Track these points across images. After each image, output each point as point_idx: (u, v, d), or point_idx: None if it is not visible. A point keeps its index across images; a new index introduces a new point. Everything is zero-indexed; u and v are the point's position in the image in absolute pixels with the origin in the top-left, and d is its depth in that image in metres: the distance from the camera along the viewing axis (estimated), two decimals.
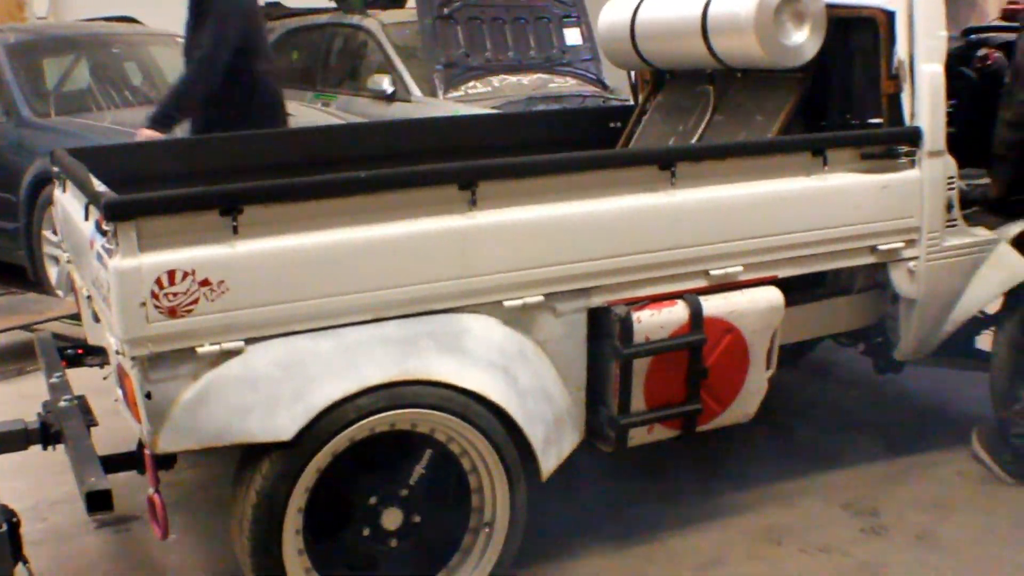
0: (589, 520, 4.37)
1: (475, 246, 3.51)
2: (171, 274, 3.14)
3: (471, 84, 8.93)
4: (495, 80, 9.03)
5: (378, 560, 3.60)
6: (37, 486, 4.82)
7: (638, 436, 3.91)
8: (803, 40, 4.57)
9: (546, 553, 4.09)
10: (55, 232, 7.76)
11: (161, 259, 3.14)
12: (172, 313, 3.16)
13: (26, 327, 7.03)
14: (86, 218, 3.69)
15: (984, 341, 5.02)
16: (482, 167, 3.63)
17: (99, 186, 3.55)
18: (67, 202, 4.37)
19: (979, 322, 4.90)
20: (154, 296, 3.14)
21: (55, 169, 4.65)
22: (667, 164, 3.86)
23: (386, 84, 9.12)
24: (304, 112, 8.57)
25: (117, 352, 3.30)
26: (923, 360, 4.81)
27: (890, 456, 4.89)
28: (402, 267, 3.42)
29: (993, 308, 4.79)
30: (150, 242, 3.15)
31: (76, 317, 6.89)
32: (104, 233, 3.25)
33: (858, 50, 4.69)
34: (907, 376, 5.26)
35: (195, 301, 3.18)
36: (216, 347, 3.24)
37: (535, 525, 3.83)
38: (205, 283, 3.18)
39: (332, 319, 3.37)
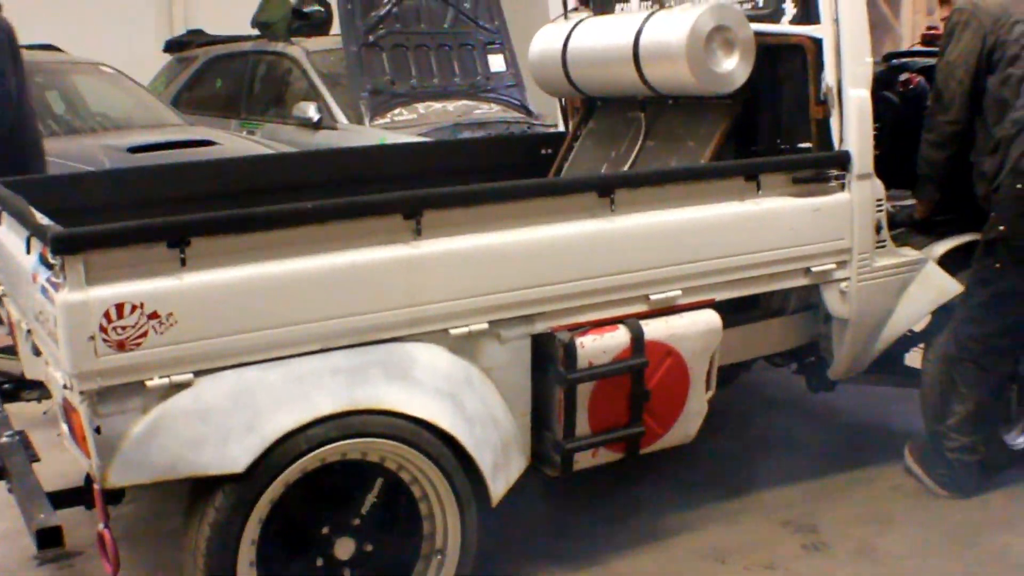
0: (536, 544, 4.41)
1: (420, 275, 3.54)
2: (119, 307, 3.14)
3: (397, 111, 8.95)
4: (420, 107, 9.06)
5: None
6: None
7: (583, 460, 3.95)
8: (733, 67, 4.65)
9: None
10: None
11: (109, 292, 3.14)
12: (121, 346, 3.16)
13: None
14: (28, 251, 3.66)
15: (912, 358, 5.13)
16: (427, 196, 3.66)
17: (42, 219, 3.53)
18: (2, 234, 4.33)
19: (908, 340, 5.00)
20: (103, 330, 3.13)
21: None
22: (606, 191, 3.92)
23: (312, 112, 9.11)
24: (229, 140, 8.55)
25: (65, 387, 3.28)
26: (855, 378, 4.91)
27: (826, 473, 4.97)
28: (349, 297, 3.44)
29: (921, 326, 4.90)
30: (98, 275, 3.14)
31: (8, 350, 6.82)
32: (50, 267, 3.24)
33: (787, 77, 4.77)
34: (838, 394, 5.36)
35: (144, 334, 3.18)
36: (166, 380, 3.23)
37: (483, 551, 3.85)
38: (154, 316, 3.18)
39: (281, 350, 3.38)
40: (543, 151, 5.88)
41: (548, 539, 4.46)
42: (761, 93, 4.87)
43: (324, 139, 8.94)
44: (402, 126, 8.69)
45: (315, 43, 10.01)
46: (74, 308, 3.10)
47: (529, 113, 9.48)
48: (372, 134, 8.56)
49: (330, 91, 9.32)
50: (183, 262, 3.23)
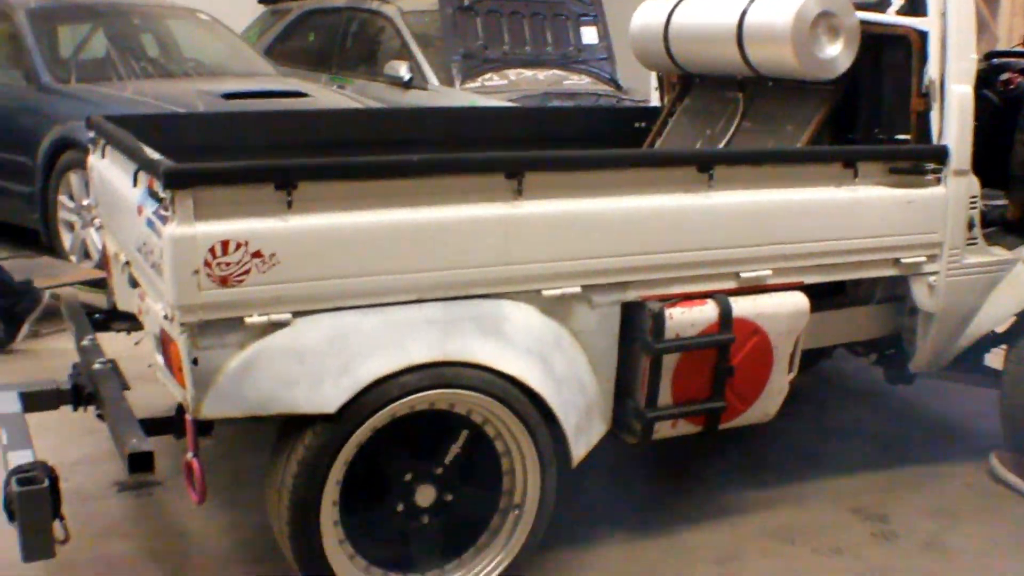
0: (607, 511, 4.46)
1: (518, 235, 3.58)
2: (225, 244, 3.20)
3: (488, 76, 9.01)
4: (511, 73, 9.12)
5: (409, 536, 3.66)
6: (58, 447, 4.86)
7: (662, 430, 3.99)
8: (837, 53, 4.64)
9: (565, 541, 4.17)
10: (71, 198, 7.85)
11: (216, 229, 3.20)
12: (223, 282, 3.22)
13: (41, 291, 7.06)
14: (134, 184, 3.74)
15: (992, 359, 5.11)
16: (529, 157, 3.70)
17: (153, 154, 3.60)
18: (105, 168, 4.42)
19: (990, 340, 4.98)
20: (207, 265, 3.19)
21: (91, 135, 4.70)
22: (706, 166, 3.93)
23: (403, 71, 9.18)
24: (321, 94, 8.63)
25: (165, 317, 3.35)
26: (934, 373, 4.91)
27: (898, 464, 4.98)
28: (447, 251, 3.49)
29: (1004, 327, 4.88)
30: (205, 211, 3.20)
31: (92, 283, 6.97)
32: (159, 200, 3.31)
33: (889, 67, 4.76)
34: (914, 389, 5.36)
35: (246, 272, 3.24)
36: (265, 318, 3.30)
37: (555, 511, 3.90)
38: (257, 255, 3.24)
39: (377, 297, 3.43)
40: (637, 125, 5.90)
41: (618, 506, 4.51)
42: (862, 81, 4.86)
43: (414, 99, 9.00)
44: (492, 91, 8.75)
45: (410, 3, 10.08)
46: (181, 242, 3.17)
47: (619, 87, 9.50)
48: (462, 97, 8.62)
49: (422, 51, 9.38)
50: (289, 204, 3.28)
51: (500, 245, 3.56)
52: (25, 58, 8.59)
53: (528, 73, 9.14)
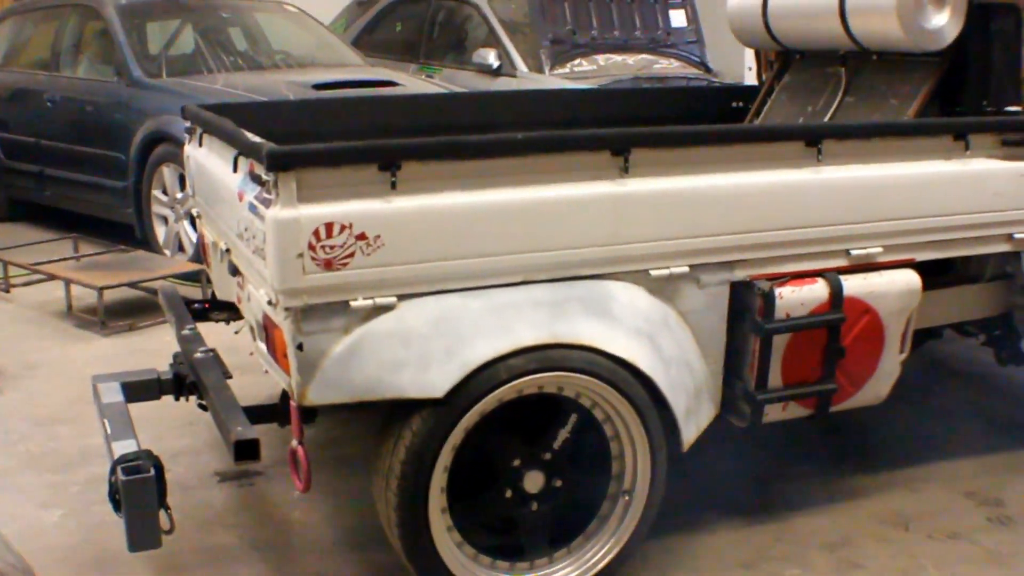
0: (717, 495, 4.38)
1: (625, 213, 3.50)
2: (329, 226, 3.15)
3: (577, 61, 8.96)
4: (600, 59, 9.06)
5: (517, 523, 3.60)
6: (157, 438, 4.89)
7: (773, 413, 3.89)
8: (944, 23, 4.53)
9: (674, 527, 4.09)
10: (164, 192, 7.89)
11: (319, 211, 3.15)
12: (328, 266, 3.17)
13: (136, 284, 7.12)
14: (234, 170, 3.71)
15: None
16: (636, 134, 3.62)
17: (254, 138, 3.57)
18: (202, 156, 4.40)
19: None
20: (311, 248, 3.14)
21: (187, 124, 4.69)
22: (814, 140, 3.82)
23: (492, 58, 9.14)
24: (410, 82, 8.60)
25: (269, 303, 3.31)
26: None
27: (1011, 447, 4.84)
28: (553, 231, 3.41)
29: None
30: (309, 194, 3.15)
31: (186, 276, 7.00)
32: (261, 184, 3.27)
33: (998, 37, 4.62)
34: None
35: (351, 255, 3.19)
36: (369, 302, 3.24)
37: (665, 499, 3.82)
38: (362, 237, 3.19)
39: (483, 279, 3.37)
40: (735, 104, 5.80)
41: (729, 491, 4.44)
42: (969, 53, 4.72)
43: (503, 86, 8.97)
44: (581, 76, 8.69)
45: None
46: (284, 225, 3.12)
47: (709, 70, 9.40)
48: (551, 83, 8.56)
49: (510, 38, 9.33)
50: (393, 185, 3.23)
51: (607, 224, 3.48)
52: (116, 54, 8.67)
53: (617, 58, 9.07)
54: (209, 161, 4.25)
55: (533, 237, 3.39)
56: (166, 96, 7.91)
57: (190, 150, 4.65)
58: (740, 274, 3.76)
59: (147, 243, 8.24)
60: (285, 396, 3.60)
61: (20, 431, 5.23)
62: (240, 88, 7.83)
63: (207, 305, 4.82)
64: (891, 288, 3.95)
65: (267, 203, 3.19)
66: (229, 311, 4.73)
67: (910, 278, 3.99)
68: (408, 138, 3.76)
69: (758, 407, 3.83)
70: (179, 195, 7.76)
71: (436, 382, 3.25)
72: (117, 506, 3.40)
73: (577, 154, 3.47)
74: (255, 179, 3.39)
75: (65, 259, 7.81)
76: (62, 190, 9.25)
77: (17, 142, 9.70)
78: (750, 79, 5.74)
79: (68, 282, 7.05)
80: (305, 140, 4.22)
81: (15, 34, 10.30)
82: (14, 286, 7.74)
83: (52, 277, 7.28)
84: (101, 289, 6.68)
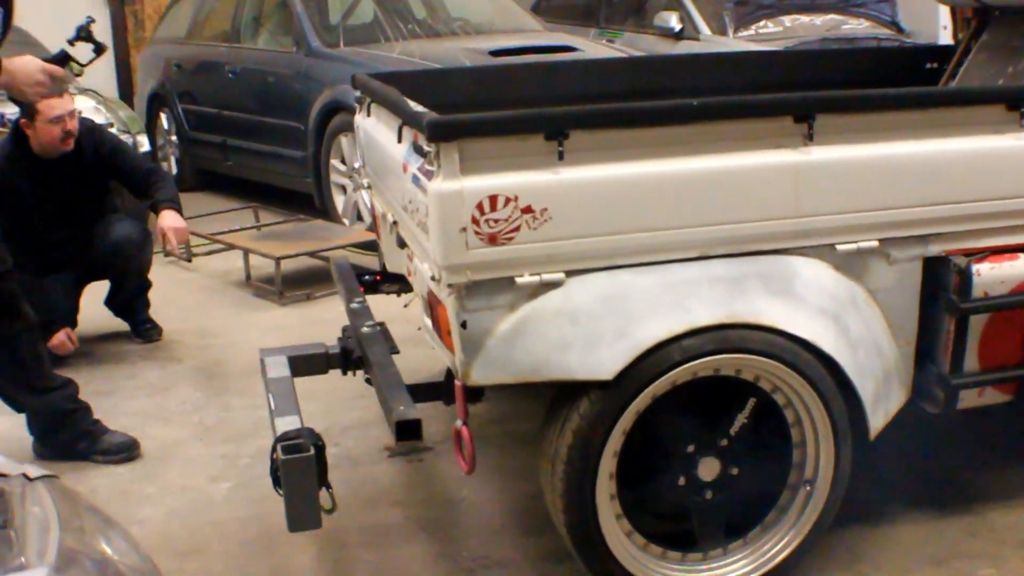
0: (905, 486, 4.14)
1: (809, 184, 3.26)
2: (493, 199, 3.01)
3: (762, 23, 8.73)
4: (786, 20, 8.82)
5: (691, 512, 3.42)
6: (328, 411, 4.84)
7: (968, 398, 3.61)
8: None
9: (859, 519, 3.87)
10: (343, 161, 7.88)
11: (483, 183, 3.00)
12: (492, 240, 3.03)
13: (313, 254, 7.13)
14: (399, 140, 3.59)
15: None
16: (821, 98, 3.38)
17: (416, 107, 3.44)
18: (371, 126, 4.31)
19: None
20: (474, 222, 3.00)
21: (357, 93, 4.60)
22: (1016, 104, 3.52)
23: (674, 21, 8.94)
24: (590, 47, 8.44)
25: (432, 279, 3.19)
26: None
27: None
28: (731, 202, 3.20)
29: None
30: (472, 165, 3.01)
31: (364, 245, 6.96)
32: (423, 155, 3.14)
33: None
34: None
35: (516, 229, 3.04)
36: (536, 278, 3.09)
37: (849, 489, 3.59)
38: (528, 210, 3.03)
39: (656, 254, 3.18)
40: (928, 65, 5.46)
41: (919, 482, 4.19)
42: None
43: (685, 50, 8.77)
44: (766, 39, 8.46)
45: None
46: (447, 197, 2.99)
47: (900, 31, 9.03)
48: (735, 46, 8.33)
49: (692, 1, 9.10)
50: (560, 156, 3.05)
51: (789, 196, 3.25)
52: (295, 24, 8.71)
53: (804, 19, 8.79)
54: (377, 131, 4.16)
55: (710, 209, 3.19)
56: (344, 65, 7.87)
57: (359, 120, 4.57)
58: (934, 249, 3.48)
59: (326, 212, 8.25)
60: (450, 374, 3.48)
61: (195, 401, 5.25)
62: (416, 56, 7.77)
63: (378, 277, 4.74)
64: None
65: (429, 175, 3.07)
66: (400, 283, 4.64)
67: None
68: (585, 105, 3.59)
69: (952, 392, 3.56)
70: (356, 165, 7.73)
71: (605, 363, 3.08)
72: (278, 483, 3.33)
73: (757, 121, 3.26)
74: (418, 150, 3.27)
75: (245, 228, 7.87)
76: (244, 160, 9.35)
77: (201, 113, 9.87)
78: (945, 38, 5.39)
79: (247, 252, 7.09)
80: (476, 109, 4.09)
81: (198, 8, 10.45)
82: (196, 255, 7.82)
83: (231, 247, 7.33)
84: (279, 259, 6.69)
